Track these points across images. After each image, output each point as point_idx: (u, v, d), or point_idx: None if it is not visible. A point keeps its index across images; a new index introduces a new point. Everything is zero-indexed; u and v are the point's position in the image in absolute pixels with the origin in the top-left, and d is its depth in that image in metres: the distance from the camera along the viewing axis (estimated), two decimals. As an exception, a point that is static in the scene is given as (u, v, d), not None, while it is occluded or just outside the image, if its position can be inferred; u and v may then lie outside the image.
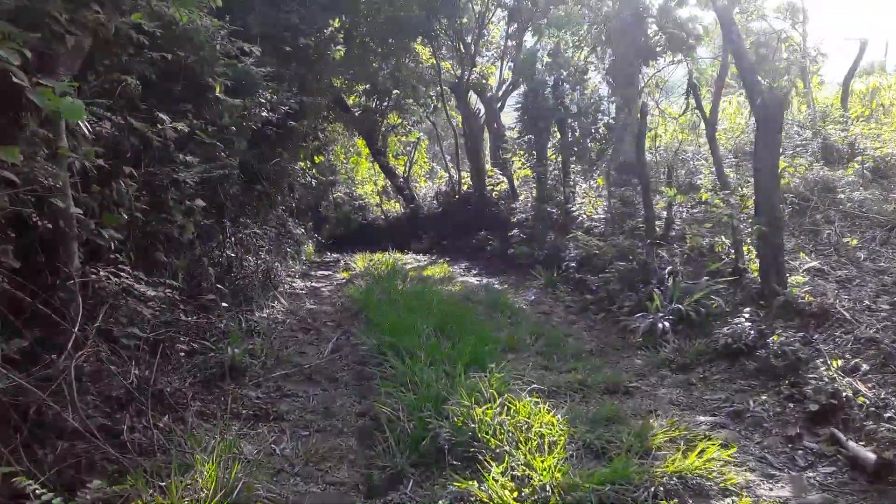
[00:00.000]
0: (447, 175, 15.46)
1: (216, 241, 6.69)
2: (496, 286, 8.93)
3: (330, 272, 10.11)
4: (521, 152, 10.29)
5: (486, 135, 13.62)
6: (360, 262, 10.76)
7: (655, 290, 6.43)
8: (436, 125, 16.51)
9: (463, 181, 14.28)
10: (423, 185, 19.70)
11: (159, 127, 4.86)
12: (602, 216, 8.77)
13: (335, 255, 17.43)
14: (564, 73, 8.83)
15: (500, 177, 11.78)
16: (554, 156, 9.77)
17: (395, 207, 20.03)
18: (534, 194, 10.37)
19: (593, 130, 7.80)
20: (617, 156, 8.49)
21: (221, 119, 6.21)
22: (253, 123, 7.37)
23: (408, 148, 19.04)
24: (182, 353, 4.51)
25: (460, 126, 14.80)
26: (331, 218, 24.10)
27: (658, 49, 6.76)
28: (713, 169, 8.38)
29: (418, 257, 12.73)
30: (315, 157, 19.81)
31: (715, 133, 7.60)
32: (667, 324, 5.90)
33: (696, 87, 7.07)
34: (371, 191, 21.39)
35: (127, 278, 4.04)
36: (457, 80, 12.83)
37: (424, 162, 19.71)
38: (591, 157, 8.17)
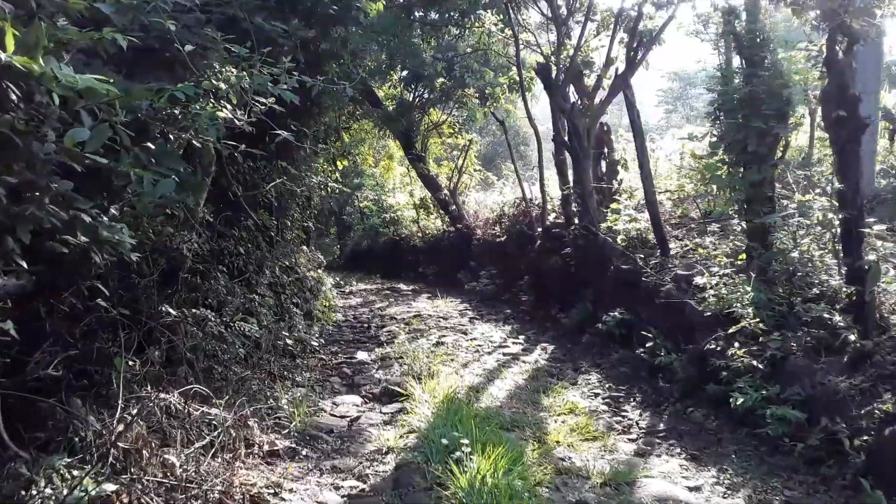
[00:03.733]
0: (520, 192, 11.21)
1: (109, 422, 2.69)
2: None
3: (361, 389, 5.79)
4: (729, 180, 5.47)
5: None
6: (415, 380, 5.54)
7: None
8: (504, 123, 12.31)
9: (541, 205, 10.06)
10: (470, 197, 15.53)
11: None
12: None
13: (363, 290, 13.50)
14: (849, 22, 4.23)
15: (630, 211, 7.15)
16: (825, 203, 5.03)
17: (435, 224, 16.05)
18: (718, 260, 5.45)
19: None
20: None
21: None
22: (197, 139, 3.36)
23: (454, 152, 14.94)
24: None
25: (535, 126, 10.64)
26: (355, 228, 20.16)
27: None
28: None
29: (486, 330, 8.07)
30: (338, 162, 15.99)
31: None
32: None
33: None
34: (406, 203, 17.44)
35: None
36: (544, 61, 8.66)
37: (475, 170, 15.51)
38: None
